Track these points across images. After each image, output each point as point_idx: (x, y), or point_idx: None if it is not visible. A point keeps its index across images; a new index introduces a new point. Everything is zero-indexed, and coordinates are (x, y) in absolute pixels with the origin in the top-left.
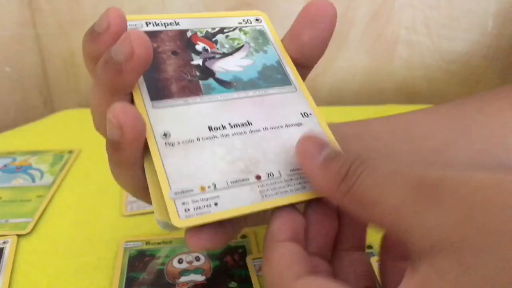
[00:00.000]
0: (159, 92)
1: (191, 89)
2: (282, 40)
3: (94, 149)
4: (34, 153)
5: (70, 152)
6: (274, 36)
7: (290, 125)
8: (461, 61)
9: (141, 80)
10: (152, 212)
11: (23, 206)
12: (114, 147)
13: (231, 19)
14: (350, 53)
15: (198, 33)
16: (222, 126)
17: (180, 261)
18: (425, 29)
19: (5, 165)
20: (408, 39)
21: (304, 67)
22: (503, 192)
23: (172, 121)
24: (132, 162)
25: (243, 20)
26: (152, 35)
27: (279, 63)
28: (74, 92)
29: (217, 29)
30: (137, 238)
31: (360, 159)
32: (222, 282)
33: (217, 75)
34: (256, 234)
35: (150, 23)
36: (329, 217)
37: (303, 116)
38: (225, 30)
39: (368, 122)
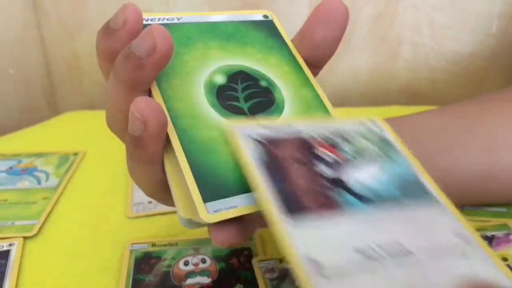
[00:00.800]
0: (294, 205)
1: (329, 204)
2: (292, 40)
3: (99, 151)
4: (39, 155)
5: (76, 154)
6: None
7: (447, 248)
8: (465, 62)
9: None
10: (157, 214)
11: (28, 208)
12: (136, 143)
13: (349, 124)
14: (354, 55)
15: (318, 138)
16: (372, 249)
17: (186, 263)
18: (429, 31)
19: (10, 167)
20: (412, 40)
21: (314, 66)
22: None
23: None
24: (153, 157)
25: (360, 123)
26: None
27: (414, 175)
28: (78, 94)
29: (337, 133)
30: (143, 240)
31: None
32: (228, 284)
33: (352, 188)
34: (262, 237)
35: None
36: None
37: (457, 237)
38: (344, 136)
39: None
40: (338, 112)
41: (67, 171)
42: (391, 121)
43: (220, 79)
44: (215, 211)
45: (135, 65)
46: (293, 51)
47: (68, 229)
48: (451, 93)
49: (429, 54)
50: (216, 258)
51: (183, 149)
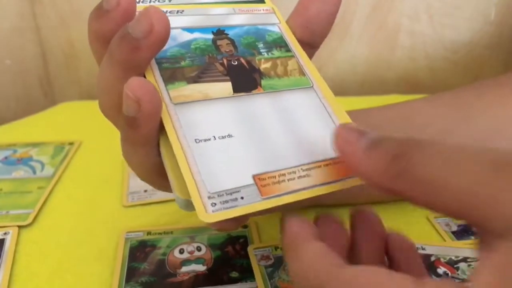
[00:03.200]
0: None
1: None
2: (287, 19)
3: (95, 141)
4: (35, 145)
5: (71, 143)
6: (283, 25)
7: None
8: (464, 50)
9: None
10: (153, 203)
11: (23, 197)
12: (130, 123)
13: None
14: (352, 44)
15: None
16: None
17: (181, 251)
18: (428, 18)
19: (5, 157)
20: (410, 28)
21: (310, 45)
22: None
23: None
24: (147, 139)
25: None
26: None
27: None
28: (74, 84)
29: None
30: (138, 228)
31: (413, 139)
32: (224, 272)
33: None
34: (257, 224)
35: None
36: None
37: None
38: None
39: (368, 110)
40: (338, 101)
41: (62, 160)
42: (385, 108)
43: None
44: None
45: (131, 47)
46: (283, 26)
47: (63, 218)
48: (450, 81)
49: (427, 42)
50: (212, 246)
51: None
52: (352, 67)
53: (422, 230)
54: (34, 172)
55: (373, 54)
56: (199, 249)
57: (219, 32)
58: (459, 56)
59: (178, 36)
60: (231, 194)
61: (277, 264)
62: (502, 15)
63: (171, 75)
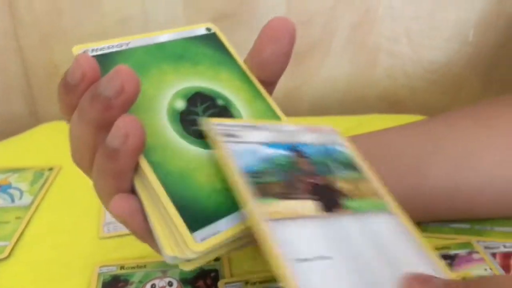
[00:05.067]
0: None
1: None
2: (244, 60)
3: (75, 166)
4: (15, 170)
5: (51, 169)
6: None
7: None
8: (442, 70)
9: None
10: (128, 234)
11: (1, 228)
12: (110, 155)
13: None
14: (333, 62)
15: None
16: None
17: (153, 287)
18: (407, 39)
19: None
20: (389, 49)
21: (268, 83)
22: None
23: None
24: (122, 173)
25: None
26: None
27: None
28: (57, 103)
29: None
30: (112, 262)
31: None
32: None
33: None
34: (228, 257)
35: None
36: None
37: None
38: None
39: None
40: (317, 121)
41: (41, 188)
42: (360, 138)
43: (180, 104)
44: (202, 240)
45: (103, 106)
46: (240, 64)
47: (39, 251)
48: (429, 99)
49: (406, 62)
50: (183, 280)
51: (160, 183)
52: (333, 85)
53: None
54: (13, 201)
55: (353, 73)
56: (170, 284)
57: (296, 149)
58: (438, 76)
59: (258, 150)
60: None
61: None
62: (480, 36)
63: (262, 191)
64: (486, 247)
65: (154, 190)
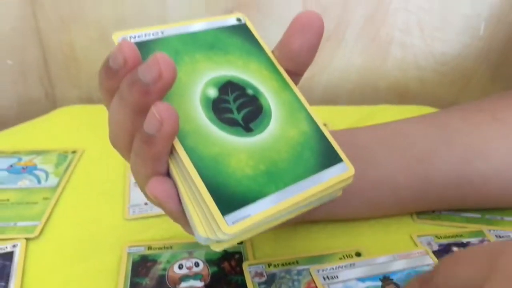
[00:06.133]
0: None
1: None
2: (273, 51)
3: (97, 149)
4: (38, 152)
5: (74, 152)
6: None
7: None
8: (453, 62)
9: None
10: (153, 216)
11: (30, 208)
12: (147, 140)
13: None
14: (346, 53)
15: None
16: None
17: (180, 267)
18: (419, 32)
19: (11, 165)
20: (402, 41)
21: (295, 74)
22: None
23: None
24: (158, 156)
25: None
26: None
27: None
28: (75, 85)
29: None
30: (139, 243)
31: None
32: None
33: None
34: (251, 241)
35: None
36: None
37: None
38: None
39: (357, 131)
40: (328, 110)
41: (65, 170)
42: (373, 128)
43: (213, 93)
44: (233, 223)
45: (142, 91)
46: (269, 54)
47: (68, 230)
48: (439, 91)
49: (418, 54)
50: (209, 261)
51: (194, 167)
52: (345, 75)
53: (404, 247)
54: (39, 182)
55: (365, 64)
56: (197, 264)
57: (386, 278)
58: (448, 68)
59: (354, 286)
60: None
61: (269, 281)
62: (491, 30)
63: None
64: (497, 236)
65: (188, 174)
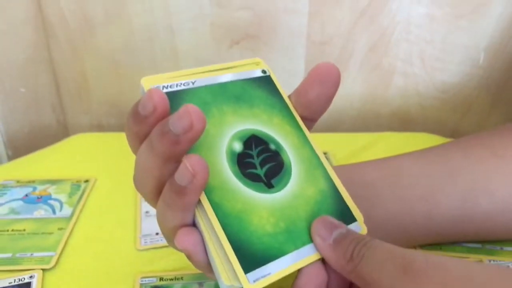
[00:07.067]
0: None
1: None
2: (289, 97)
3: (109, 178)
4: (53, 182)
5: (86, 181)
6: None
7: None
8: (453, 90)
9: None
10: (164, 247)
11: (46, 239)
12: (178, 191)
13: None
14: (349, 82)
15: None
16: None
17: None
18: (420, 62)
19: (26, 195)
20: (404, 70)
21: (310, 120)
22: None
23: None
24: (188, 206)
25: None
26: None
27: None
28: (86, 112)
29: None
30: (151, 273)
31: (364, 241)
32: None
33: None
34: None
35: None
36: None
37: None
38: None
39: (360, 167)
40: (332, 137)
41: (79, 200)
42: (376, 164)
43: (238, 146)
44: (254, 281)
45: (172, 141)
46: (290, 108)
47: (82, 261)
48: (440, 117)
49: (419, 83)
50: None
51: (220, 223)
52: (348, 103)
53: None
54: (54, 212)
55: (368, 92)
56: None
57: None
58: (449, 96)
59: None
60: None
61: None
62: (490, 60)
63: None
64: None
65: (214, 230)
